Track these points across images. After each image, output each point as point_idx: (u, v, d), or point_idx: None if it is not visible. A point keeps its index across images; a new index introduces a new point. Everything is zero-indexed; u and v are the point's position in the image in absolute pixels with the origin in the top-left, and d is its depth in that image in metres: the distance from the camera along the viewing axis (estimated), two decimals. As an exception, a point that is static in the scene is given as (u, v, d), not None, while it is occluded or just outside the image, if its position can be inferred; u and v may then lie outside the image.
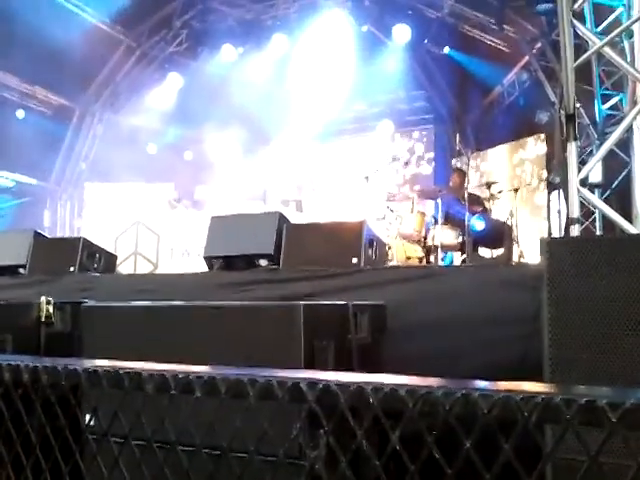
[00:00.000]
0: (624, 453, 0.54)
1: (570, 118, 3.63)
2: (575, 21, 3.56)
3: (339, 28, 10.96)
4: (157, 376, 0.68)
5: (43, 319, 3.36)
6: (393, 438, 0.59)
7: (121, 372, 0.71)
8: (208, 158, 12.10)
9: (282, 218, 4.14)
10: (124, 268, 8.72)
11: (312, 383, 0.60)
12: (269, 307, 2.41)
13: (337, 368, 2.52)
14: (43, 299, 3.39)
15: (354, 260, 3.86)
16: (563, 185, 3.87)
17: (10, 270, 4.91)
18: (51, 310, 3.39)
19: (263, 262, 4.11)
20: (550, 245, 2.04)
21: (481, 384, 0.61)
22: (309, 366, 2.32)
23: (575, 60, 3.79)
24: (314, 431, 0.60)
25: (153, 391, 0.66)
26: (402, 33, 10.84)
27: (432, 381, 0.61)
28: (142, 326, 2.61)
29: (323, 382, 0.60)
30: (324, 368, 2.46)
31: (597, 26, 5.74)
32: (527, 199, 9.97)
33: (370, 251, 4.00)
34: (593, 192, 5.77)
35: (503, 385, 0.60)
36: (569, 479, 1.62)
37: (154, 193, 12.20)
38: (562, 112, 3.74)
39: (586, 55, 3.69)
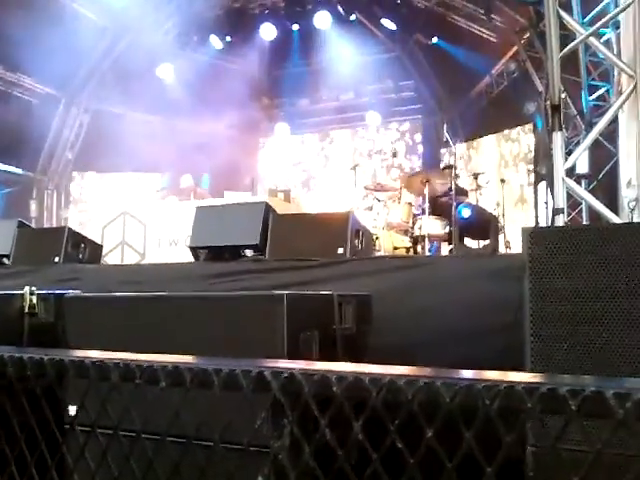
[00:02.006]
0: (585, 440, 0.54)
1: (555, 108, 3.63)
2: (561, 11, 3.55)
3: (327, 17, 10.90)
4: (122, 365, 0.67)
5: (27, 310, 3.34)
6: (356, 427, 0.59)
7: (87, 362, 0.70)
8: (195, 147, 12.02)
9: (268, 208, 4.13)
10: (111, 258, 8.64)
11: (276, 372, 0.59)
12: (252, 297, 2.40)
13: (321, 359, 2.52)
14: (27, 289, 3.36)
15: (340, 250, 3.85)
16: (549, 175, 3.88)
17: (-6, 260, 4.87)
18: (35, 301, 3.36)
19: (249, 252, 4.10)
20: (532, 235, 2.05)
21: (445, 372, 0.61)
22: (292, 357, 2.32)
23: (562, 50, 3.80)
24: (278, 420, 0.60)
25: (117, 380, 0.66)
26: (390, 23, 10.81)
27: (395, 369, 0.61)
28: (125, 317, 2.59)
29: (287, 371, 0.60)
30: (308, 359, 2.46)
31: (584, 17, 5.75)
32: (515, 190, 10.01)
33: (356, 241, 4.00)
34: (580, 183, 5.80)
35: (466, 373, 0.60)
36: (533, 465, 1.64)
37: (141, 183, 12.14)
38: (547, 102, 3.75)
39: (571, 45, 3.70)
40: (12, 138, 10.63)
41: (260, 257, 4.00)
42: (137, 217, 8.74)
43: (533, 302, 2.01)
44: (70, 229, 4.77)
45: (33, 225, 11.41)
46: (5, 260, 4.84)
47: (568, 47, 3.66)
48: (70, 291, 3.42)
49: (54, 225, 11.89)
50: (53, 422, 0.83)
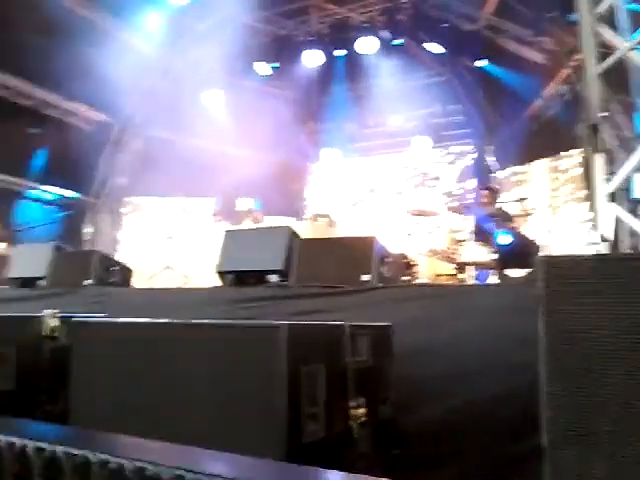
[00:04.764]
0: None
1: (593, 129, 3.41)
2: (599, 26, 3.35)
3: (372, 43, 10.87)
4: None
5: (47, 333, 3.32)
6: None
7: None
8: (244, 172, 12.12)
9: (293, 233, 4.04)
10: (157, 282, 8.78)
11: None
12: (251, 327, 2.29)
13: (330, 394, 2.38)
14: (47, 312, 3.36)
15: (364, 277, 3.72)
16: (590, 200, 3.65)
17: (30, 282, 4.96)
18: (55, 324, 3.35)
19: (273, 278, 4.01)
20: (546, 265, 1.87)
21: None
22: (293, 392, 2.19)
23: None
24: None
25: None
26: (437, 47, 10.68)
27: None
28: (131, 343, 2.54)
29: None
30: (313, 394, 2.32)
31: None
32: (569, 216, 9.61)
33: (382, 268, 3.85)
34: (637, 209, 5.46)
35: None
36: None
37: (192, 207, 12.31)
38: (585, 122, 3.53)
39: (609, 60, 3.47)
40: (68, 164, 11.01)
41: (284, 283, 3.91)
42: (183, 241, 8.86)
43: (548, 340, 1.82)
44: (101, 252, 4.82)
45: (87, 247, 11.76)
46: (41, 282, 4.92)
47: (606, 62, 3.44)
48: (93, 315, 3.41)
49: (107, 248, 12.18)
50: None
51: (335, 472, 1.18)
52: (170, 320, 2.37)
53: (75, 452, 1.13)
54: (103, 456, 1.10)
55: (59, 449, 1.16)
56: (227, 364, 2.23)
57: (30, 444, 1.21)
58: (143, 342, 2.49)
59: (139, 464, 1.05)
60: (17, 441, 1.22)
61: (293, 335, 2.20)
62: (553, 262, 1.89)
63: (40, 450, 1.19)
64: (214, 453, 1.34)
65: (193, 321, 2.33)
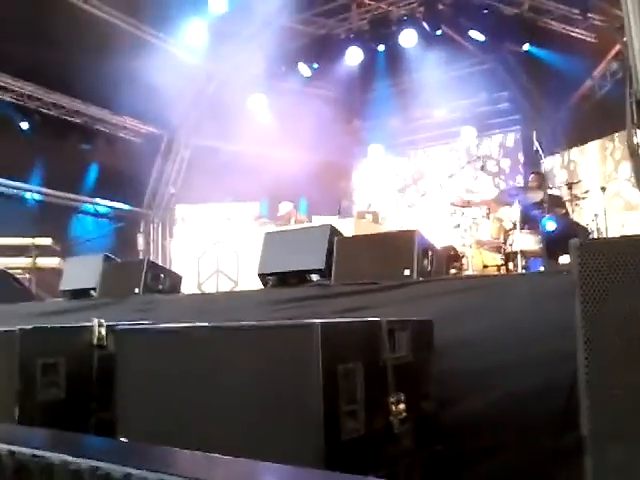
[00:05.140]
0: None
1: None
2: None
3: (413, 35, 10.73)
4: None
5: (95, 342, 3.41)
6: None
7: None
8: (290, 174, 12.19)
9: (333, 231, 4.02)
10: (207, 287, 8.92)
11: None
12: (286, 327, 2.29)
13: (368, 392, 2.35)
14: (95, 322, 3.45)
15: (406, 272, 3.66)
16: (637, 180, 3.47)
17: (83, 293, 5.12)
18: (103, 333, 3.44)
19: (315, 277, 4.00)
20: (582, 250, 1.78)
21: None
22: (330, 390, 2.17)
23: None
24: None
25: None
26: (478, 34, 10.45)
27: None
28: (171, 349, 2.57)
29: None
30: (351, 392, 2.30)
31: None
32: (625, 198, 9.24)
33: (425, 261, 3.79)
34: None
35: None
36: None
37: (239, 212, 12.47)
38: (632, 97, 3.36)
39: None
40: (119, 176, 11.36)
41: (325, 282, 3.89)
42: (231, 245, 8.96)
43: (586, 329, 1.74)
44: (150, 261, 4.92)
45: (141, 257, 12.08)
46: (93, 292, 5.07)
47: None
48: (139, 322, 3.49)
49: (159, 257, 12.48)
50: None
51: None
52: (207, 324, 2.39)
53: (131, 471, 1.14)
54: (159, 476, 1.10)
55: (113, 467, 1.17)
56: (265, 365, 2.23)
57: (84, 463, 1.21)
58: (182, 347, 2.53)
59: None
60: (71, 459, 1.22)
61: (327, 333, 2.18)
62: (588, 246, 1.81)
63: (95, 468, 1.19)
64: (270, 466, 1.31)
65: (229, 324, 2.34)
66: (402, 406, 2.47)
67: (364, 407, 2.30)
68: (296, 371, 2.19)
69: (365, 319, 2.60)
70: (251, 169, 12.15)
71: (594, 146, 10.11)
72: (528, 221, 6.31)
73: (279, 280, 4.13)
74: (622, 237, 1.75)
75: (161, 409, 2.52)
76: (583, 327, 1.75)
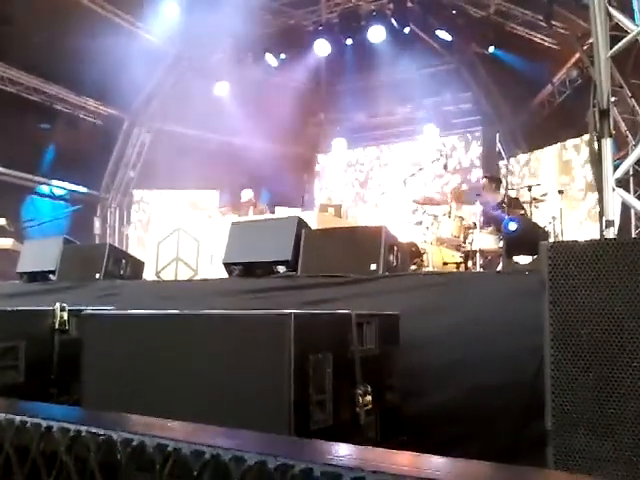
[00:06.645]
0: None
1: (604, 113, 3.37)
2: (610, 7, 3.30)
3: (381, 31, 10.80)
4: None
5: (57, 326, 3.35)
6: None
7: None
8: (253, 164, 12.12)
9: (301, 223, 4.04)
10: (165, 274, 8.79)
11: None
12: (259, 317, 2.30)
13: (336, 382, 2.38)
14: (57, 306, 3.38)
15: (373, 266, 3.71)
16: (597, 185, 3.61)
17: (41, 276, 5.00)
18: (65, 317, 3.37)
19: (281, 268, 4.02)
20: (551, 251, 1.86)
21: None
22: (300, 380, 2.20)
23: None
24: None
25: None
26: (445, 34, 10.59)
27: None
28: (138, 335, 2.55)
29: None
30: (320, 381, 2.33)
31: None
32: (578, 202, 9.54)
33: (391, 257, 3.84)
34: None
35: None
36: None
37: (200, 199, 12.34)
38: (595, 108, 3.49)
39: (620, 44, 3.42)
40: (78, 158, 11.08)
41: (292, 273, 3.91)
42: (191, 233, 8.86)
43: (553, 326, 1.81)
44: (112, 246, 4.84)
45: (97, 242, 11.83)
46: (51, 276, 4.96)
47: (617, 46, 3.38)
48: (102, 308, 3.44)
49: (116, 241, 12.25)
50: None
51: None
52: (178, 311, 2.38)
53: (98, 431, 1.18)
54: (126, 434, 1.13)
55: (83, 429, 1.21)
56: (236, 354, 2.24)
57: (55, 425, 1.26)
58: (152, 333, 2.51)
59: (161, 441, 1.09)
60: (43, 422, 1.28)
61: (300, 324, 2.21)
62: (557, 248, 1.88)
63: (66, 430, 1.24)
64: (229, 430, 1.36)
65: (201, 312, 2.34)
66: (368, 398, 2.51)
67: (332, 398, 2.34)
68: (268, 359, 2.21)
69: (335, 311, 2.63)
70: (213, 157, 12.04)
71: (552, 150, 10.40)
72: (488, 221, 6.46)
73: (245, 270, 4.13)
74: (588, 240, 1.83)
75: (127, 395, 2.50)
76: (551, 324, 1.82)
